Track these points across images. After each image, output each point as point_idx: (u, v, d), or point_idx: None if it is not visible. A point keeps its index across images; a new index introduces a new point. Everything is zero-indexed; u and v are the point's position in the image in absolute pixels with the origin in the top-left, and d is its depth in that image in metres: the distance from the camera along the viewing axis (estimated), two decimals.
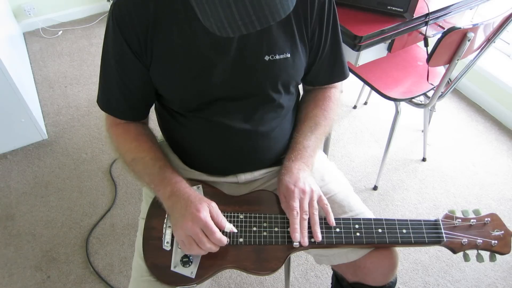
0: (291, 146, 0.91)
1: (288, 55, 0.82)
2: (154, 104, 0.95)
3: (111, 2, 0.75)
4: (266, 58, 0.80)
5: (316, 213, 0.81)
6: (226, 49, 0.77)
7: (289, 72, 0.84)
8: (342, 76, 0.97)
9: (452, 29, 1.22)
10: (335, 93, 0.99)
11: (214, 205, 0.79)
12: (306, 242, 0.79)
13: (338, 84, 1.00)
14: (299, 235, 0.78)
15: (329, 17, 0.86)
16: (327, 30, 0.87)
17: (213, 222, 0.76)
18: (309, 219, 0.81)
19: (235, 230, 0.81)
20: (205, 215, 0.75)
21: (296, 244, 0.79)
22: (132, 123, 0.89)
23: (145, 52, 0.77)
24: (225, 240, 0.76)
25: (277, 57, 0.81)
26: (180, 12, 0.74)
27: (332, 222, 0.82)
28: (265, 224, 0.83)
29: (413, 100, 1.62)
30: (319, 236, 0.79)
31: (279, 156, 0.99)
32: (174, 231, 0.77)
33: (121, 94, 0.82)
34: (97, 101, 0.87)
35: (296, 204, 0.79)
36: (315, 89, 0.99)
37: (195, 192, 0.81)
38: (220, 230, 0.77)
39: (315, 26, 0.85)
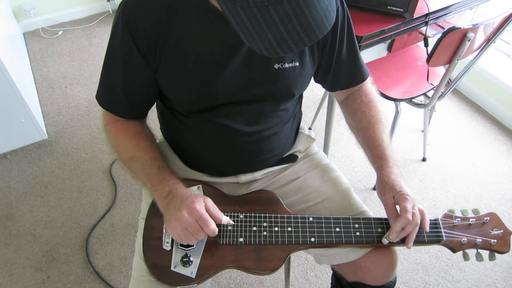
0: (377, 155, 0.88)
1: (297, 64, 0.82)
2: (155, 103, 0.95)
3: (112, 1, 0.75)
4: (276, 66, 0.80)
5: (419, 221, 0.79)
6: (236, 56, 0.77)
7: (297, 80, 0.84)
8: (363, 77, 0.96)
9: (452, 29, 1.22)
10: (369, 84, 0.98)
11: (209, 200, 0.79)
12: (396, 240, 0.80)
13: None
14: (395, 236, 0.79)
15: (343, 25, 0.86)
16: (341, 37, 0.87)
17: (209, 215, 0.76)
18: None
19: (232, 223, 0.81)
20: (200, 206, 0.75)
21: (385, 241, 0.80)
22: (131, 121, 0.89)
23: (154, 55, 0.76)
24: (216, 230, 0.76)
25: (286, 65, 0.81)
26: (193, 17, 0.73)
27: (427, 228, 0.81)
28: (265, 224, 0.83)
29: (413, 100, 1.62)
30: (411, 244, 0.80)
31: (280, 157, 0.99)
32: (168, 225, 0.76)
33: (124, 93, 0.82)
34: (96, 97, 0.86)
35: (410, 206, 0.78)
36: (352, 94, 0.98)
37: (192, 192, 0.81)
38: (217, 224, 0.77)
39: (328, 36, 0.85)
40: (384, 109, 0.95)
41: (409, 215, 0.77)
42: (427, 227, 0.80)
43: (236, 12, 0.54)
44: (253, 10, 0.52)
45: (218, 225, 0.77)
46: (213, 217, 0.77)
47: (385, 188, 0.82)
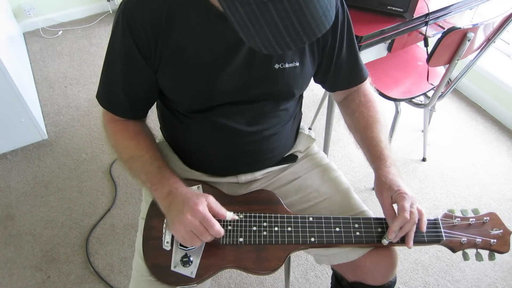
0: (375, 155, 0.89)
1: (297, 64, 0.82)
2: (155, 103, 0.95)
3: (112, 1, 0.74)
4: (276, 66, 0.80)
5: (416, 219, 0.79)
6: (237, 56, 0.77)
7: (297, 80, 0.85)
8: (363, 78, 0.96)
9: (452, 29, 1.22)
10: (368, 84, 0.98)
11: (211, 198, 0.79)
12: (395, 239, 0.79)
13: None
14: (394, 236, 0.78)
15: (343, 25, 0.86)
16: (341, 38, 0.87)
17: (212, 213, 0.76)
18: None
19: (237, 217, 0.81)
20: (203, 207, 0.75)
21: (384, 241, 0.80)
22: (131, 120, 0.89)
23: (154, 54, 0.76)
24: (222, 231, 0.76)
25: (287, 65, 0.81)
26: (193, 16, 0.73)
27: (424, 228, 0.80)
28: (265, 224, 0.83)
29: (413, 100, 1.62)
30: (411, 244, 0.79)
31: (280, 157, 1.00)
32: (172, 227, 0.76)
33: (124, 93, 0.82)
34: (97, 97, 0.86)
35: (408, 205, 0.78)
36: (350, 94, 0.98)
37: (192, 190, 0.80)
38: (220, 221, 0.77)
39: (328, 36, 0.85)
40: (382, 109, 0.95)
41: (406, 214, 0.77)
42: (424, 227, 0.80)
43: (236, 8, 0.54)
44: (252, 7, 0.52)
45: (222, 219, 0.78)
46: (216, 214, 0.77)
47: (383, 187, 0.82)
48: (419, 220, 0.79)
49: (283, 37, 0.54)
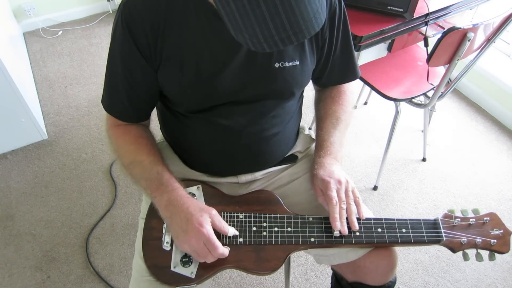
0: (318, 144, 0.93)
1: (297, 63, 0.83)
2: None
3: (112, 2, 0.74)
4: (276, 65, 0.81)
5: (353, 202, 0.82)
6: (236, 56, 0.77)
7: (297, 79, 0.85)
8: (354, 76, 0.99)
9: (452, 29, 1.22)
10: (349, 86, 1.01)
11: (214, 212, 0.79)
12: (345, 231, 0.79)
13: None
14: (339, 224, 0.79)
15: (339, 22, 0.87)
16: (337, 35, 0.88)
17: (216, 230, 0.77)
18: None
19: (237, 233, 0.82)
20: (207, 229, 0.75)
21: (336, 232, 0.80)
22: (133, 124, 0.89)
23: (154, 54, 0.76)
24: (226, 252, 0.77)
25: (287, 64, 0.81)
26: (192, 16, 0.73)
27: (363, 215, 0.82)
28: (264, 224, 0.83)
29: (413, 100, 1.62)
30: (356, 226, 0.80)
31: (281, 157, 1.00)
32: (177, 244, 0.78)
33: (127, 96, 0.82)
34: (102, 102, 0.87)
35: (334, 194, 0.81)
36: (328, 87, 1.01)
37: (193, 201, 0.80)
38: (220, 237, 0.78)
39: (326, 35, 0.86)
40: (350, 111, 0.98)
41: (333, 202, 0.79)
42: (362, 213, 0.82)
43: (227, 2, 0.54)
44: (243, 2, 0.52)
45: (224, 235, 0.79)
46: (219, 230, 0.77)
47: (312, 178, 0.86)
48: (357, 205, 0.82)
49: (272, 35, 0.54)
